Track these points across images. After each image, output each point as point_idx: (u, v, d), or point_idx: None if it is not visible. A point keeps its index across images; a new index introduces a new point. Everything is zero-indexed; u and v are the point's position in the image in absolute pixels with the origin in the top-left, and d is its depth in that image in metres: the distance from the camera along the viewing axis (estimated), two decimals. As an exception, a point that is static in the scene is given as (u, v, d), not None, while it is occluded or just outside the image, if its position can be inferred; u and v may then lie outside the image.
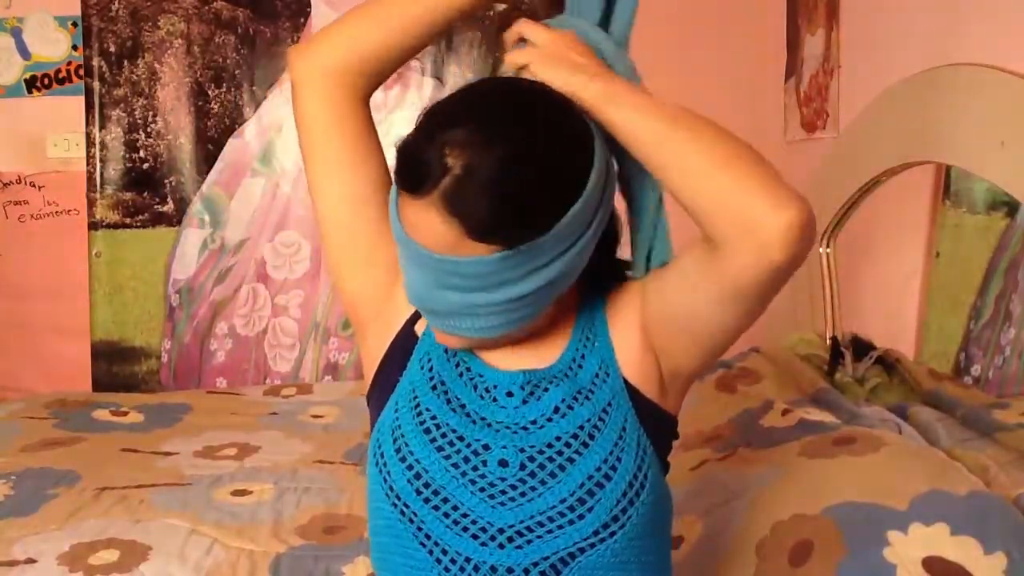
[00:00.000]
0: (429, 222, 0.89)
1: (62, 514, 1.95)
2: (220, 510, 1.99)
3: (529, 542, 0.94)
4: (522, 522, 0.95)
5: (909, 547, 1.32)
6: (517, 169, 0.87)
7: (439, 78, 3.10)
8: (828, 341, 2.35)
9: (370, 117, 1.08)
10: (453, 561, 0.95)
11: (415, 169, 0.89)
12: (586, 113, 0.94)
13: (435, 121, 0.91)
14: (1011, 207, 1.90)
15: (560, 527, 0.94)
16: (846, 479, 1.49)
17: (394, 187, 0.95)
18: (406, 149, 0.91)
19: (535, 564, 0.94)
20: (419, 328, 1.06)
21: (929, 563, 1.29)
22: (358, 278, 1.07)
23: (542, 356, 1.02)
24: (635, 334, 1.02)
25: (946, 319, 2.13)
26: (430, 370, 1.03)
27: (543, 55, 0.96)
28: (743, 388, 2.11)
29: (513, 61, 0.98)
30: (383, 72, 1.06)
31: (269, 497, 2.07)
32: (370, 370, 1.08)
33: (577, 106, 0.93)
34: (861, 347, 2.26)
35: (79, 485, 2.12)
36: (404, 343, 1.06)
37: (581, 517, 0.95)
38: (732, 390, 2.11)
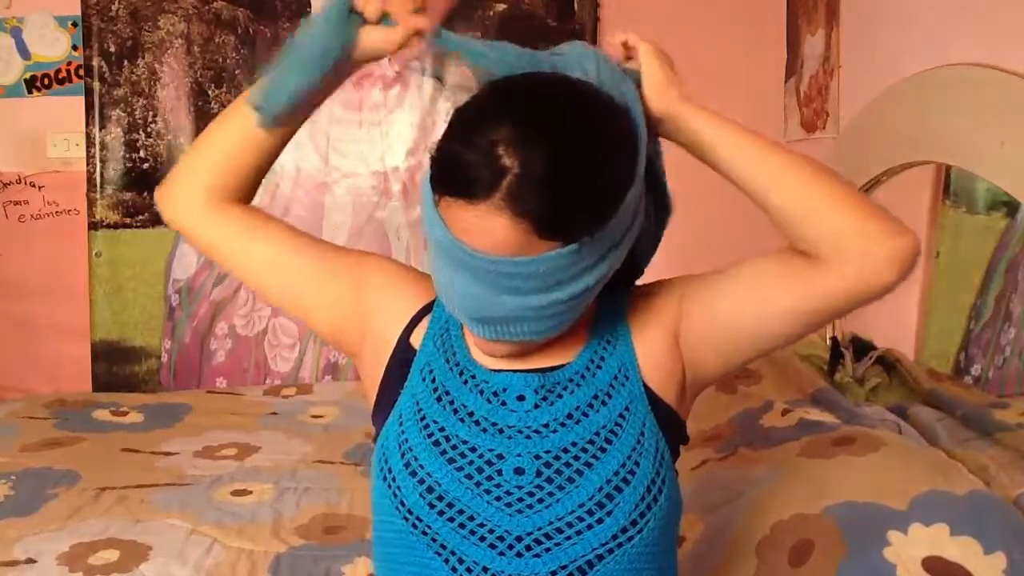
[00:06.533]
0: (493, 225, 0.85)
1: (62, 514, 1.95)
2: (220, 510, 1.99)
3: (548, 550, 0.93)
4: (540, 529, 0.93)
5: (909, 547, 1.32)
6: (574, 158, 0.85)
7: (439, 78, 3.10)
8: (828, 341, 2.35)
9: (252, 195, 1.08)
10: (469, 570, 0.93)
11: (467, 174, 0.85)
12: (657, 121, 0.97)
13: (473, 123, 0.88)
14: (1011, 207, 1.90)
15: (579, 532, 0.93)
16: (846, 479, 1.49)
17: (429, 198, 0.91)
18: (450, 155, 0.88)
19: (553, 573, 0.93)
20: (415, 340, 1.05)
21: (929, 563, 1.29)
22: (327, 316, 1.07)
23: (554, 357, 1.01)
24: (663, 341, 1.02)
25: (946, 319, 2.13)
26: (432, 381, 1.01)
27: (654, 48, 0.98)
28: (743, 388, 2.11)
29: (622, 38, 0.99)
30: (255, 180, 1.07)
31: (269, 497, 2.07)
32: (372, 390, 1.07)
33: (605, 95, 0.92)
34: (861, 347, 2.26)
35: (79, 485, 2.12)
36: (402, 356, 1.04)
37: (600, 522, 0.94)
38: (732, 390, 2.11)
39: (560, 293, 0.91)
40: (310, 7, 3.10)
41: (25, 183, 3.10)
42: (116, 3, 3.04)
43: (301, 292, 1.06)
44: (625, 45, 0.99)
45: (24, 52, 3.07)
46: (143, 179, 3.09)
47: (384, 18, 0.98)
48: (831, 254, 0.92)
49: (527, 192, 0.84)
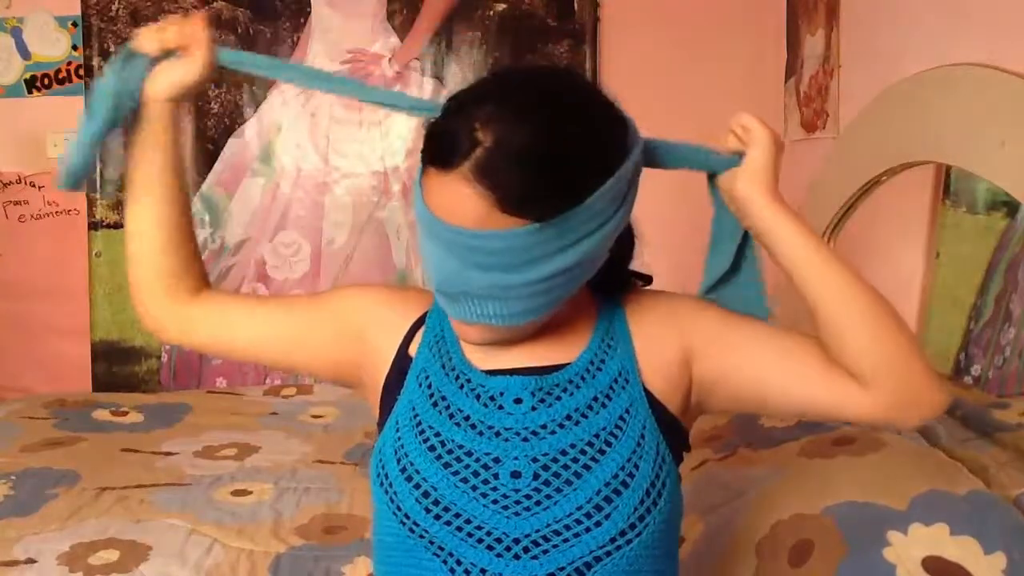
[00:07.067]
0: (459, 195, 0.88)
1: (62, 514, 1.95)
2: (220, 510, 1.99)
3: (546, 552, 0.93)
4: (538, 531, 0.94)
5: (909, 547, 1.32)
6: (547, 140, 0.88)
7: (439, 78, 3.10)
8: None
9: (203, 274, 1.16)
10: (468, 572, 0.94)
11: (445, 143, 0.89)
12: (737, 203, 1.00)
13: (462, 100, 0.93)
14: (1011, 207, 1.90)
15: (577, 535, 0.93)
16: (846, 479, 1.49)
17: (419, 169, 0.95)
18: (435, 126, 0.93)
19: (551, 575, 0.93)
20: (412, 350, 1.05)
21: (929, 563, 1.29)
22: (324, 361, 1.10)
23: (554, 357, 1.01)
24: (672, 352, 1.02)
25: (946, 319, 2.13)
26: (429, 387, 1.02)
27: (771, 136, 0.99)
28: (743, 388, 2.11)
29: (743, 122, 1.00)
30: (188, 263, 1.13)
31: (269, 497, 2.07)
32: (375, 404, 1.08)
33: (606, 95, 0.95)
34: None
35: (79, 485, 2.12)
36: (400, 365, 1.05)
37: (598, 524, 0.94)
38: (732, 390, 2.10)
39: (524, 275, 0.91)
40: (310, 7, 3.10)
41: (25, 183, 3.10)
42: (116, 3, 3.04)
43: (294, 358, 1.12)
44: (743, 127, 1.00)
45: (24, 52, 3.07)
46: (143, 179, 3.08)
47: (171, 52, 1.04)
48: (868, 377, 0.94)
49: (492, 166, 0.87)
